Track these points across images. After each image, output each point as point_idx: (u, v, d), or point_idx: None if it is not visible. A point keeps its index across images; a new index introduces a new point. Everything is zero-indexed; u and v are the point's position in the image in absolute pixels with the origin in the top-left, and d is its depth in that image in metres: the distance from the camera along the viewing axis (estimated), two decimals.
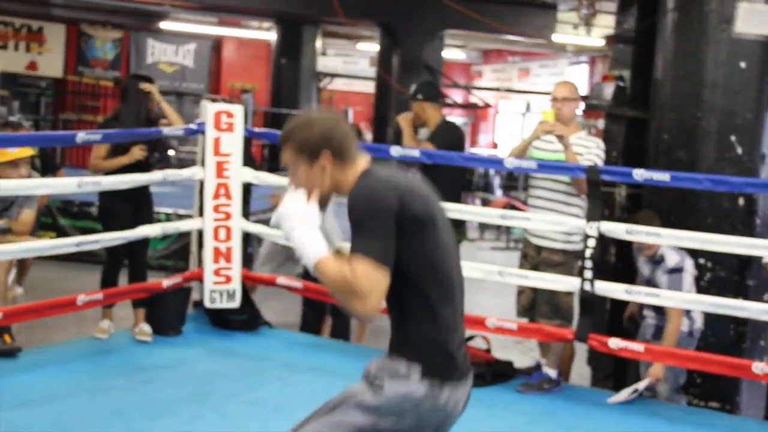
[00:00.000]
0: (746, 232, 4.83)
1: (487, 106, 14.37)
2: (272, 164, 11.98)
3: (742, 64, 4.97)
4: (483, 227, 12.75)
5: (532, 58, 16.68)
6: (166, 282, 5.03)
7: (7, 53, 11.44)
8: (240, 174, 5.08)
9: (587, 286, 4.47)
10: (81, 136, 4.49)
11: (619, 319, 5.21)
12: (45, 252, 4.65)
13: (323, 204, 2.27)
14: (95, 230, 7.44)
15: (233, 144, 5.06)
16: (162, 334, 4.98)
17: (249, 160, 5.27)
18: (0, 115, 8.02)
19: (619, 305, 5.09)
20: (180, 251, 8.26)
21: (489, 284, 5.40)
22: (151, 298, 4.99)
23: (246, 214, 5.23)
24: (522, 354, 6.24)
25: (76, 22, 15.01)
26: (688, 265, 4.63)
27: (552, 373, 4.61)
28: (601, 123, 6.20)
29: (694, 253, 4.68)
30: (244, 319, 5.23)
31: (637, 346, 4.40)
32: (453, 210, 4.93)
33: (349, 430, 2.18)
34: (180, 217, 7.77)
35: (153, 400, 4.07)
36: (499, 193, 14.06)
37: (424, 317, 2.19)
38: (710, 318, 4.72)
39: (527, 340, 5.93)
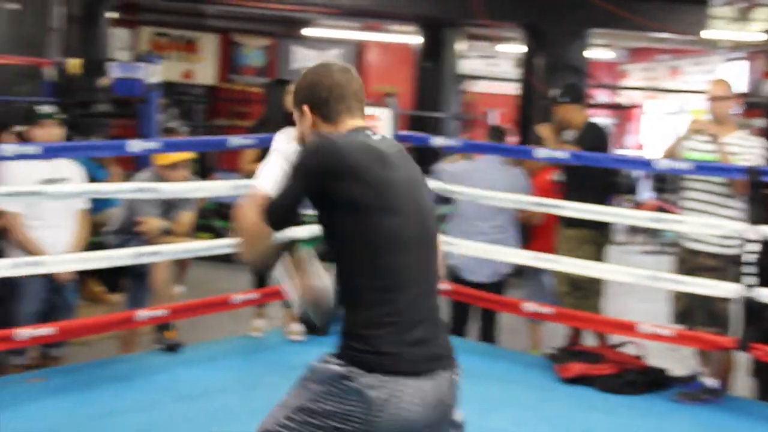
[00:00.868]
0: None
1: (634, 106, 13.94)
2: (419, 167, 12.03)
3: None
4: (633, 230, 12.45)
5: (683, 55, 16.08)
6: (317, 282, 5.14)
7: (166, 63, 12.02)
8: None
9: (749, 293, 4.27)
10: (232, 140, 4.66)
11: None
12: (203, 252, 4.85)
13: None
14: None
15: None
16: (313, 333, 5.09)
17: None
18: (158, 121, 8.42)
19: None
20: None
21: (638, 289, 5.25)
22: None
23: None
24: (677, 362, 6.03)
25: (228, 31, 15.61)
26: None
27: (711, 382, 4.43)
28: (762, 122, 5.91)
29: None
30: None
31: None
32: (601, 213, 4.83)
33: (291, 407, 2.12)
34: None
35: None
36: (648, 195, 13.64)
37: (357, 302, 2.08)
38: None
39: (682, 347, 5.72)
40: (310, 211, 2.19)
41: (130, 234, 5.02)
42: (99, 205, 6.43)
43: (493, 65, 16.36)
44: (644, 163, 6.29)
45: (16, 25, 9.56)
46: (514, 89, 12.90)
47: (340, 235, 2.11)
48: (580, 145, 5.13)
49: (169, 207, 5.10)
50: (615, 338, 5.11)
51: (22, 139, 5.16)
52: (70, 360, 4.89)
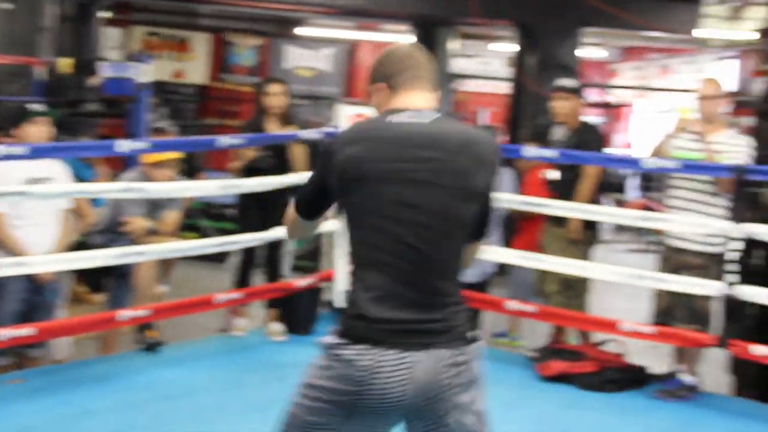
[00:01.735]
0: None
1: (623, 105, 13.93)
2: None
3: None
4: (619, 229, 12.44)
5: (674, 54, 16.09)
6: (299, 282, 5.16)
7: (157, 63, 12.03)
8: None
9: (731, 290, 4.28)
10: (222, 140, 4.66)
11: None
12: (189, 252, 4.85)
13: None
14: (233, 232, 7.72)
15: None
16: (294, 333, 5.11)
17: None
18: (147, 121, 8.44)
19: None
20: (314, 252, 8.43)
21: (624, 287, 5.26)
22: (284, 298, 5.12)
23: None
24: (657, 360, 6.04)
25: (221, 30, 15.60)
26: None
27: (689, 380, 4.44)
28: (751, 120, 5.92)
29: None
30: None
31: None
32: (590, 211, 4.83)
33: (301, 384, 2.20)
34: None
35: (287, 396, 4.16)
36: (634, 194, 13.65)
37: (354, 275, 2.19)
38: None
39: (662, 345, 5.74)
40: None
41: (115, 233, 5.02)
42: None
43: (484, 64, 16.36)
44: (632, 162, 6.29)
45: (8, 25, 9.55)
46: (504, 88, 12.92)
47: (345, 215, 2.21)
48: (576, 143, 5.13)
49: (154, 206, 5.10)
50: (598, 336, 5.11)
51: (10, 137, 5.15)
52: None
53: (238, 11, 14.31)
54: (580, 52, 10.78)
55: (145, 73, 8.02)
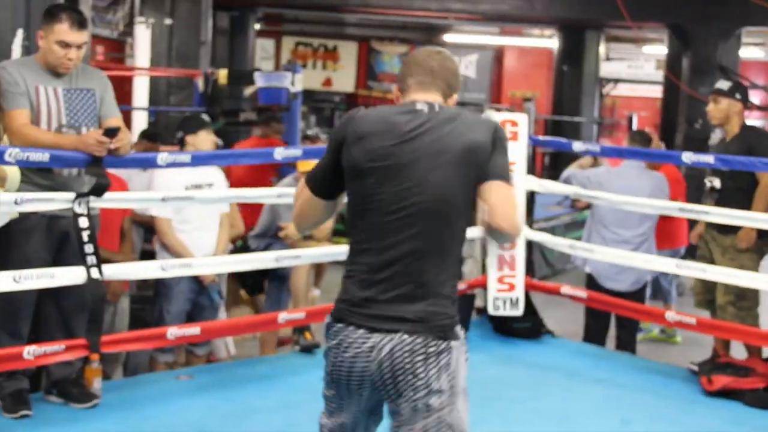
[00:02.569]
0: None
1: None
2: (553, 172, 11.88)
3: None
4: None
5: None
6: None
7: (306, 72, 12.39)
8: (524, 182, 5.09)
9: None
10: None
11: None
12: (341, 257, 4.95)
13: None
14: None
15: (517, 152, 5.06)
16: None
17: (532, 168, 5.27)
18: (299, 129, 8.68)
19: None
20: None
21: None
22: None
23: (530, 222, 5.23)
24: None
25: (367, 39, 15.87)
26: None
27: None
28: None
29: None
30: (527, 327, 5.22)
31: None
32: (756, 219, 4.59)
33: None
34: None
35: None
36: None
37: (348, 256, 2.33)
38: None
39: None
40: None
41: (272, 238, 5.19)
42: None
43: (635, 68, 15.91)
44: None
45: (169, 39, 10.07)
46: (656, 92, 12.53)
47: (347, 195, 2.36)
48: (744, 149, 4.89)
49: None
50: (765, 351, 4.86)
51: (173, 145, 5.42)
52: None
53: (385, 20, 14.52)
54: (740, 53, 10.31)
55: (297, 82, 8.24)
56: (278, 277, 5.21)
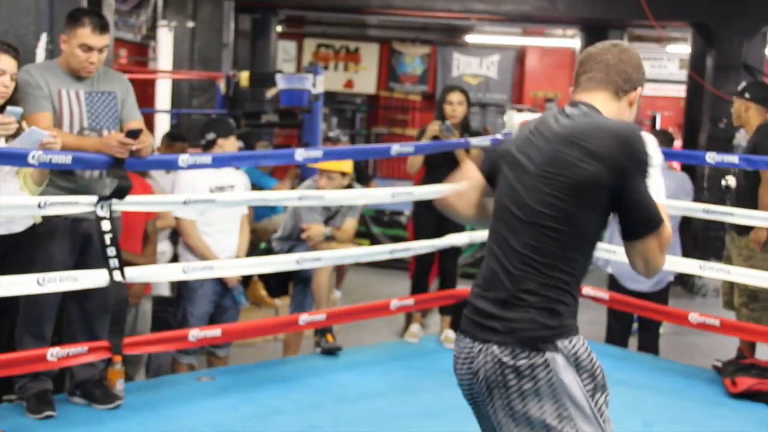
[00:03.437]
0: None
1: None
2: None
3: None
4: None
5: None
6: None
7: (328, 73, 12.41)
8: None
9: None
10: (395, 148, 4.73)
11: None
12: (361, 258, 4.96)
13: None
14: (404, 238, 7.82)
15: None
16: None
17: None
18: (321, 130, 8.70)
19: None
20: (483, 259, 8.42)
21: None
22: (457, 306, 5.12)
23: None
24: None
25: (389, 40, 15.87)
26: None
27: None
28: None
29: None
30: None
31: None
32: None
33: None
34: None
35: (463, 403, 4.16)
36: None
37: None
38: None
39: None
40: None
41: (296, 240, 5.20)
42: (266, 211, 6.72)
43: (658, 67, 15.79)
44: None
45: (191, 42, 10.12)
46: (680, 91, 12.43)
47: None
48: (759, 148, 4.84)
49: (333, 214, 5.24)
50: None
51: (196, 147, 5.45)
52: (234, 360, 5.12)
53: (406, 21, 14.51)
54: (766, 52, 10.18)
55: (319, 84, 8.25)
56: (302, 280, 5.22)
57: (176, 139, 6.38)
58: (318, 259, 4.65)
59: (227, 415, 3.84)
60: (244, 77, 8.18)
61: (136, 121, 3.84)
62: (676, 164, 6.48)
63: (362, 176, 7.26)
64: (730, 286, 5.02)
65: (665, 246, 2.11)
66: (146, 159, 3.76)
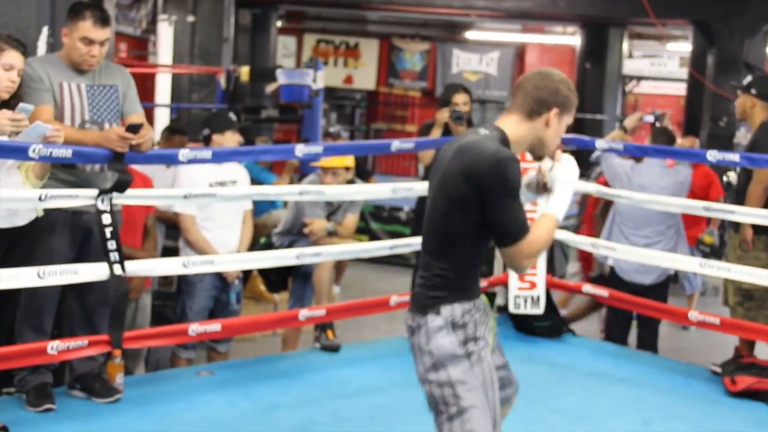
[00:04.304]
0: None
1: None
2: None
3: None
4: None
5: None
6: None
7: (327, 69, 12.41)
8: None
9: None
10: (395, 144, 4.73)
11: None
12: (361, 254, 4.94)
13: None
14: (403, 234, 7.83)
15: None
16: None
17: None
18: (321, 126, 8.70)
19: None
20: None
21: None
22: None
23: None
24: None
25: (389, 36, 15.86)
26: None
27: None
28: None
29: None
30: (547, 325, 5.20)
31: None
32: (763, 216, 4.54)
33: None
34: None
35: None
36: None
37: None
38: None
39: None
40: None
41: (297, 235, 5.19)
42: (265, 206, 6.71)
43: (659, 65, 15.79)
44: None
45: (191, 37, 10.11)
46: (680, 89, 12.43)
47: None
48: (759, 146, 4.83)
49: (335, 209, 5.24)
50: None
51: (196, 142, 5.44)
52: (234, 355, 5.12)
53: (406, 17, 14.50)
54: (767, 49, 10.17)
55: (319, 79, 8.25)
56: (302, 275, 5.21)
57: (175, 132, 6.37)
58: (318, 254, 4.65)
59: (226, 410, 3.84)
60: (244, 72, 8.18)
61: (138, 115, 3.83)
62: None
63: (362, 172, 7.25)
64: (726, 285, 5.03)
65: (528, 255, 2.49)
66: (146, 153, 3.76)
